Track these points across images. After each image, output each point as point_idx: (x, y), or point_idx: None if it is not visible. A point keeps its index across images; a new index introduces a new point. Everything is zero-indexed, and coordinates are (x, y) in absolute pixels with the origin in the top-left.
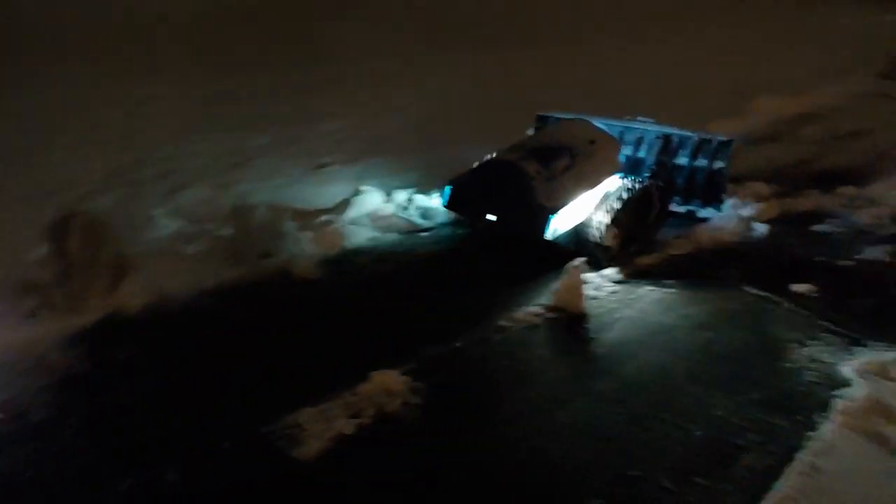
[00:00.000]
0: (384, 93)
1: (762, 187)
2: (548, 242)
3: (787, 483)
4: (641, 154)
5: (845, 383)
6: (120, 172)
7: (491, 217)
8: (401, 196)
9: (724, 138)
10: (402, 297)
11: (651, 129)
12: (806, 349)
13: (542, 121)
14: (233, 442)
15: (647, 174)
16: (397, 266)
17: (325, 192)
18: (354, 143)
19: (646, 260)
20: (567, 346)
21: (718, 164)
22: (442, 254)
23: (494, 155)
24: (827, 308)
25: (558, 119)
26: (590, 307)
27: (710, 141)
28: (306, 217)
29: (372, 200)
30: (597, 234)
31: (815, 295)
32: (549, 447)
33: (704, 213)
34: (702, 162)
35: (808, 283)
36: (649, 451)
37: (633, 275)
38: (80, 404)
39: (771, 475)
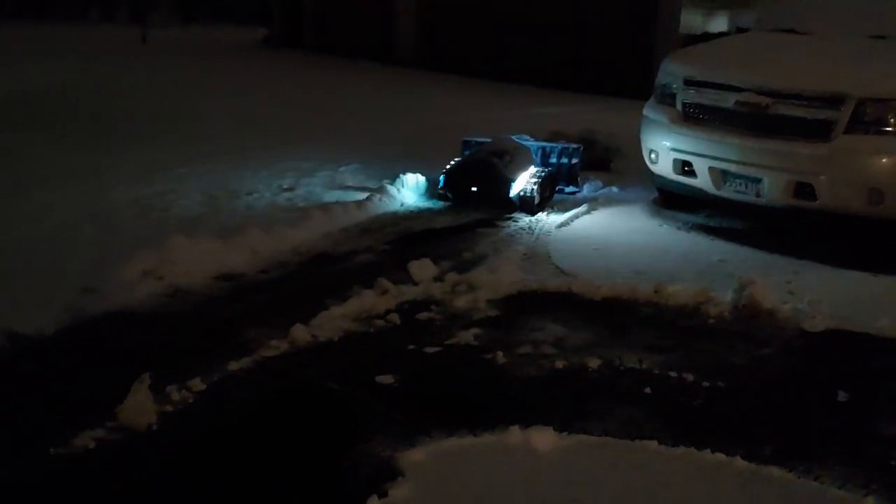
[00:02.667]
0: None
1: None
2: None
3: None
4: None
5: (396, 475)
6: None
7: (474, 189)
8: None
9: (575, 145)
10: None
11: (533, 143)
12: (369, 444)
13: (466, 143)
14: None
15: (547, 168)
16: None
17: None
18: None
19: (235, 365)
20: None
21: (574, 160)
22: None
23: (459, 158)
24: (403, 398)
25: (481, 141)
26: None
27: (567, 147)
28: None
29: None
30: (531, 194)
31: (395, 386)
32: None
33: (569, 189)
34: (564, 160)
35: (393, 374)
36: None
37: (224, 381)
38: None
39: None
